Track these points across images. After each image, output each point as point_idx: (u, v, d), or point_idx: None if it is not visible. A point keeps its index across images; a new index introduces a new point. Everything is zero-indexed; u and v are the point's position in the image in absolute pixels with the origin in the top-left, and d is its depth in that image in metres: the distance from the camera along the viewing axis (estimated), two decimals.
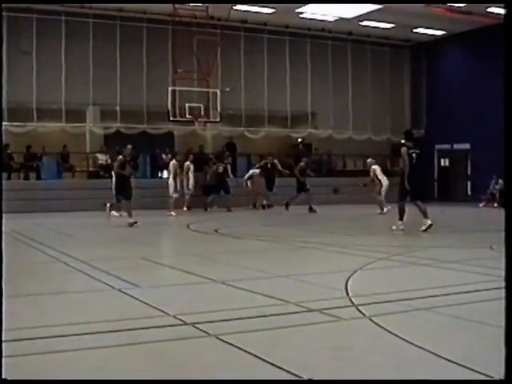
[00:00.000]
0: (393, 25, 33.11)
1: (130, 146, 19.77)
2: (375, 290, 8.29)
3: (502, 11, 30.12)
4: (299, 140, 35.61)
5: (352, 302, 7.47)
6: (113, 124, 30.68)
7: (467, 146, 34.08)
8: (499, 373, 4.73)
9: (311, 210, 25.42)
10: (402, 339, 5.80)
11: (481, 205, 29.74)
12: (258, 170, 29.04)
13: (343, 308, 7.15)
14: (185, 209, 26.17)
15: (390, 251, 12.50)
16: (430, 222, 16.41)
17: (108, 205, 22.89)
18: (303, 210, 25.28)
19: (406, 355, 5.45)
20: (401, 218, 16.83)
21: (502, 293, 8.14)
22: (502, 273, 9.63)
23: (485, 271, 9.97)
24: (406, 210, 16.97)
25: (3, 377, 3.66)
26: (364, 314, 6.87)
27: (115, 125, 30.53)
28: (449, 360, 5.12)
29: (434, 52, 36.49)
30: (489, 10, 30.00)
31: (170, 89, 30.26)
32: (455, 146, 35.15)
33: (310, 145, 35.87)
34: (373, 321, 6.54)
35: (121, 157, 19.20)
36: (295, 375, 4.74)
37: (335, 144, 34.52)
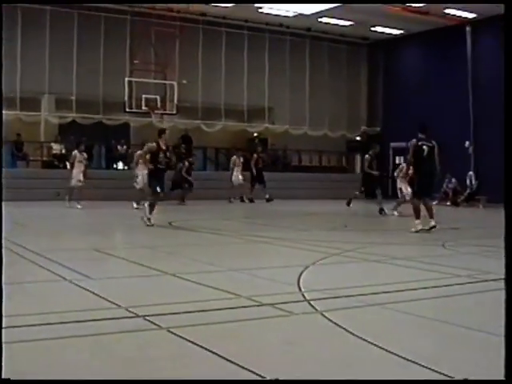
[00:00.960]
0: (351, 22, 33.26)
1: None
2: (327, 285, 8.33)
3: (458, 12, 30.49)
4: (255, 134, 35.63)
5: (304, 297, 7.49)
6: (68, 113, 30.38)
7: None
8: (451, 369, 4.81)
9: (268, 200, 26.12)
10: (353, 334, 5.83)
11: (434, 203, 29.94)
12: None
13: (295, 303, 7.17)
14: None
15: (343, 247, 12.56)
16: (433, 223, 15.79)
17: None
18: (263, 204, 25.39)
19: (356, 350, 5.48)
20: (417, 217, 15.79)
21: (452, 290, 8.29)
22: (453, 270, 9.83)
23: (436, 268, 10.08)
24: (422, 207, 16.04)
25: (3, 377, 3.63)
26: (316, 309, 6.90)
27: (70, 114, 30.24)
28: (400, 356, 5.16)
29: (391, 51, 36.75)
30: (446, 10, 30.30)
31: (126, 80, 30.10)
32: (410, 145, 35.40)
33: (266, 139, 35.92)
34: (324, 316, 6.56)
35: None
36: (246, 369, 4.74)
37: (291, 139, 34.60)
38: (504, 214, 3.75)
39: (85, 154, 23.99)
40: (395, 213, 21.59)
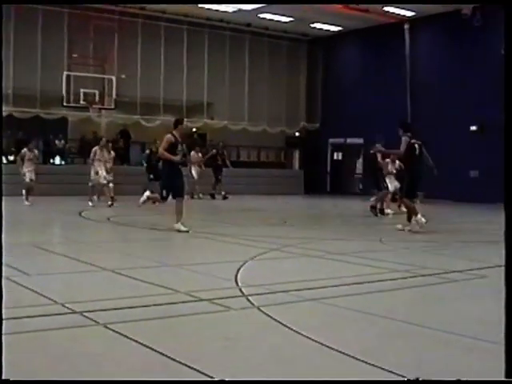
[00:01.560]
0: (291, 19, 33.35)
1: None
2: (265, 280, 8.38)
3: (397, 10, 30.82)
4: (194, 130, 35.57)
5: (242, 292, 7.53)
6: (5, 107, 29.92)
7: (360, 140, 34.67)
8: (386, 362, 4.88)
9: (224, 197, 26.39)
10: (291, 329, 5.88)
11: (372, 199, 30.26)
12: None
13: (233, 298, 7.21)
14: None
15: (282, 242, 12.63)
16: (423, 220, 15.28)
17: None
18: (205, 200, 25.31)
19: (294, 345, 5.53)
20: (416, 213, 15.28)
21: (389, 284, 8.40)
22: (391, 265, 9.96)
23: (373, 263, 10.21)
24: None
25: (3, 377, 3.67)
26: (253, 304, 6.93)
27: (7, 108, 29.79)
28: (336, 350, 5.23)
29: (331, 47, 36.99)
30: (385, 8, 30.60)
31: (64, 74, 29.76)
32: (348, 141, 35.73)
33: (204, 135, 35.88)
34: (262, 311, 6.60)
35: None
36: (184, 364, 4.75)
37: (230, 135, 34.60)
38: (504, 214, 3.83)
39: (36, 152, 23.69)
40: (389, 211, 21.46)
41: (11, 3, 26.53)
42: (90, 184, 22.45)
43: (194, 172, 28.33)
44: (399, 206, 20.65)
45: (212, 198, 28.20)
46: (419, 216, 15.16)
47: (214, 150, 29.76)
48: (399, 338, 5.91)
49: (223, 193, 28.00)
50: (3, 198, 5.78)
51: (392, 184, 20.80)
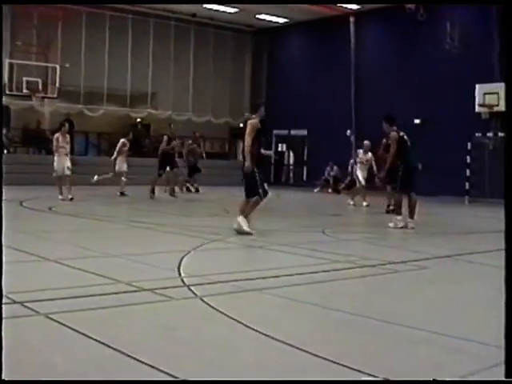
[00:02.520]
0: (236, 10, 33.32)
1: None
2: (208, 270, 8.39)
3: (343, 3, 30.93)
4: (138, 120, 35.37)
5: (184, 283, 7.54)
6: None
7: (304, 132, 34.85)
8: (328, 353, 4.94)
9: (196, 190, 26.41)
10: (233, 319, 5.92)
11: (316, 190, 30.50)
12: None
13: (175, 288, 7.21)
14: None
15: (224, 233, 12.64)
16: (400, 220, 14.97)
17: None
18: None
19: (236, 335, 5.57)
20: (399, 213, 15.04)
21: (330, 275, 8.47)
22: (333, 256, 10.05)
23: (315, 254, 10.29)
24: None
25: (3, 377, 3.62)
26: (195, 294, 6.95)
27: None
28: (277, 339, 5.27)
29: (276, 39, 37.04)
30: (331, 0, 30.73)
31: (7, 61, 29.33)
32: (292, 132, 35.85)
33: (148, 125, 35.70)
34: (204, 301, 6.62)
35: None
36: (126, 354, 4.75)
37: (177, 125, 34.43)
38: (504, 214, 3.88)
39: None
40: (351, 202, 21.74)
41: (11, 3, 26.48)
42: (54, 175, 20.22)
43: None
44: (352, 198, 21.02)
45: (188, 190, 26.74)
46: (400, 217, 14.89)
47: (190, 141, 28.67)
48: (340, 328, 5.99)
49: (195, 185, 27.14)
50: None
51: (361, 175, 21.51)
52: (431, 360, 5.04)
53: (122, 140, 23.79)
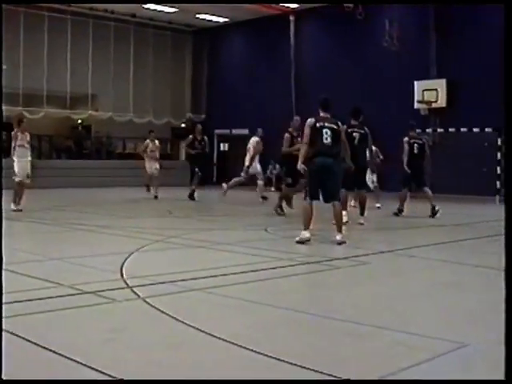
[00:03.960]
0: (176, 9, 33.19)
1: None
2: (150, 271, 8.36)
3: (282, 2, 30.98)
4: (79, 121, 35.05)
5: (127, 284, 7.50)
6: None
7: (246, 131, 34.89)
8: (270, 350, 4.95)
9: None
10: (176, 319, 5.91)
11: (258, 189, 30.49)
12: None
13: (118, 290, 7.17)
14: None
15: (166, 233, 12.61)
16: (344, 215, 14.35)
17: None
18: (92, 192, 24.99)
19: (179, 335, 5.55)
20: (345, 208, 14.44)
21: (274, 273, 8.50)
22: (276, 254, 10.08)
23: (259, 252, 10.32)
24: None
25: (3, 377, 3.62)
26: (138, 296, 6.92)
27: None
28: (222, 339, 5.28)
29: (216, 38, 37.01)
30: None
31: None
32: (234, 131, 35.87)
33: (89, 127, 35.42)
34: (147, 302, 6.60)
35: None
36: (68, 358, 4.71)
37: (115, 126, 34.24)
38: (504, 214, 3.90)
39: None
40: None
41: (11, 3, 26.13)
42: (16, 180, 17.21)
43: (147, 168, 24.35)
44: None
45: (191, 198, 22.80)
46: (344, 213, 14.17)
47: (191, 136, 24.27)
48: (284, 325, 6.01)
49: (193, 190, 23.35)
50: None
51: None
52: (374, 354, 5.09)
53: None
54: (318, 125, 11.84)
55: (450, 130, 25.94)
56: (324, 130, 11.78)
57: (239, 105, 34.32)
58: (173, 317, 5.98)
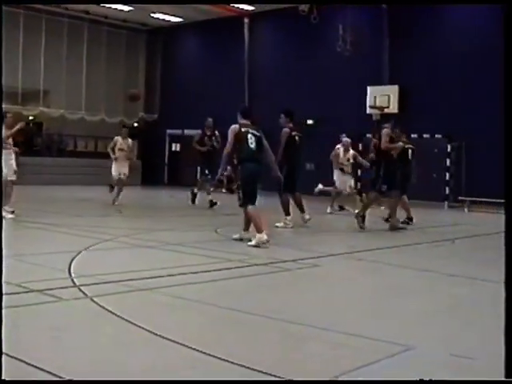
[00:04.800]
0: (131, 8, 33.04)
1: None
2: (98, 270, 8.32)
3: (238, 4, 31.02)
4: (31, 118, 34.68)
5: (74, 283, 7.46)
6: None
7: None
8: (218, 350, 4.96)
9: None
10: (123, 319, 5.90)
11: (211, 189, 30.51)
12: None
13: (65, 288, 7.12)
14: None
15: (116, 233, 12.58)
16: (290, 220, 14.97)
17: None
18: (39, 189, 24.76)
19: (126, 334, 5.55)
20: (287, 213, 14.89)
21: (223, 274, 8.50)
22: (225, 255, 10.08)
23: (208, 253, 10.33)
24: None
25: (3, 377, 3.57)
26: (86, 295, 6.89)
27: None
28: (169, 339, 5.28)
29: (171, 38, 36.91)
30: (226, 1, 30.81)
31: None
32: (186, 132, 35.78)
33: (41, 124, 35.08)
34: (94, 301, 6.58)
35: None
36: (13, 357, 4.66)
37: (67, 124, 33.95)
38: (504, 216, 3.92)
39: None
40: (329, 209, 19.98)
41: (11, 3, 25.78)
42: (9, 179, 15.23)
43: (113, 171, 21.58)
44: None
45: (211, 205, 20.68)
46: (289, 218, 14.95)
47: (200, 131, 21.92)
48: (231, 326, 6.03)
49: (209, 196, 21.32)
50: None
51: (341, 179, 19.95)
52: (318, 355, 5.13)
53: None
54: (243, 130, 12.19)
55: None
56: (249, 136, 12.12)
57: (192, 105, 34.26)
58: (120, 316, 5.97)
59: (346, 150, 20.11)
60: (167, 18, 35.00)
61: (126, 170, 20.77)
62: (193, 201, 21.24)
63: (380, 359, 4.98)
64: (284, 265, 9.54)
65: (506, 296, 3.86)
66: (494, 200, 19.01)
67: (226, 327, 6.01)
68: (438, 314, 6.89)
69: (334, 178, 20.12)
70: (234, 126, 12.28)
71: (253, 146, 12.11)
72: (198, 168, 22.07)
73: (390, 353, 5.16)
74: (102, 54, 35.57)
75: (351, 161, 19.80)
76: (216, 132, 21.14)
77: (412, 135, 25.17)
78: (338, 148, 20.41)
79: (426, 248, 12.87)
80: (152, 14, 34.37)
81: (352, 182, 19.76)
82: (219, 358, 4.83)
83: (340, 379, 4.58)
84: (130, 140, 22.06)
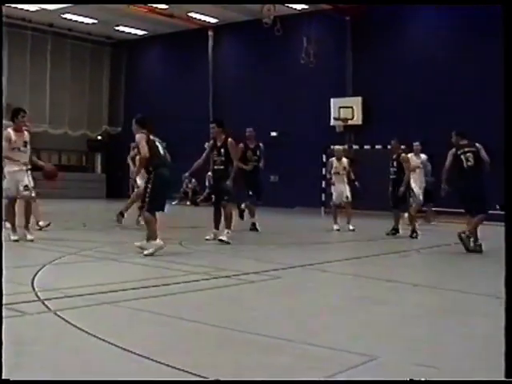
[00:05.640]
0: (95, 20, 32.99)
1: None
2: (63, 284, 8.29)
3: (201, 17, 31.12)
4: None
5: (38, 297, 7.42)
6: None
7: (163, 145, 34.81)
8: (180, 362, 4.97)
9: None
10: (87, 332, 5.88)
11: (174, 202, 30.52)
12: None
13: (28, 303, 7.08)
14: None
15: (80, 246, 12.51)
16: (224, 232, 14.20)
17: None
18: None
19: (91, 348, 5.53)
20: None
21: (186, 286, 8.48)
22: (189, 267, 10.07)
23: (172, 266, 10.33)
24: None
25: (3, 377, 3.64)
26: (49, 309, 6.86)
27: None
28: (132, 352, 5.28)
29: (135, 51, 36.89)
30: (190, 14, 30.88)
31: None
32: None
33: None
34: (58, 315, 6.55)
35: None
36: None
37: (31, 137, 33.64)
38: (504, 218, 3.94)
39: None
40: (335, 227, 18.47)
41: (11, 3, 26.59)
42: (5, 197, 13.66)
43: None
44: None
45: (253, 228, 17.51)
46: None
47: (241, 144, 17.51)
48: (193, 339, 6.04)
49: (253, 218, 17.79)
50: None
51: (337, 190, 19.02)
52: (282, 367, 5.14)
53: None
54: (151, 137, 12.63)
55: (366, 146, 26.36)
56: (157, 143, 12.61)
57: (156, 118, 34.01)
58: (84, 330, 5.95)
59: (339, 159, 19.17)
60: (131, 30, 35.01)
61: (25, 181, 14.21)
62: (241, 216, 17.64)
63: (343, 370, 5.00)
64: (247, 277, 9.55)
65: (506, 296, 3.91)
66: (458, 210, 19.14)
67: (188, 339, 6.01)
68: (403, 323, 6.94)
69: (332, 190, 19.35)
70: (141, 135, 12.46)
71: (163, 152, 12.53)
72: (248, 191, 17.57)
73: (353, 363, 5.19)
74: (66, 67, 35.48)
75: (347, 168, 18.98)
76: (261, 144, 18.07)
77: (376, 146, 25.42)
78: (331, 160, 19.64)
79: (391, 258, 12.95)
80: (116, 27, 34.36)
81: (348, 193, 18.83)
82: (181, 370, 4.84)
83: (330, 379, 4.60)
84: (26, 133, 14.97)
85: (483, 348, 5.85)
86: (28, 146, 14.40)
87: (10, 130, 13.96)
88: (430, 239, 16.85)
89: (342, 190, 18.72)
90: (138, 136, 12.51)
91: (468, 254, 13.20)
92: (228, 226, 14.23)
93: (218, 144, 14.52)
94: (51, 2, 29.21)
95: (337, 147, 20.38)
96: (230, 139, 14.47)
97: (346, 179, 18.86)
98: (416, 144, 20.52)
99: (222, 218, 14.43)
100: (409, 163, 17.05)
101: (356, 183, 18.69)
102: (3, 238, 5.11)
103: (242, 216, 17.57)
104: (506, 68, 4.10)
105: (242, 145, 17.19)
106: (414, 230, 16.62)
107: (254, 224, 17.36)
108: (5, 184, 13.38)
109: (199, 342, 5.95)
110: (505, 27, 4.08)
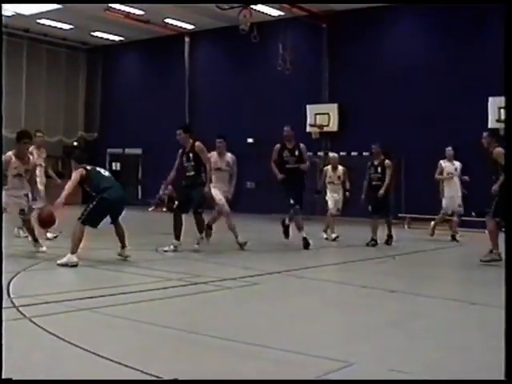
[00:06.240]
0: (71, 26, 32.85)
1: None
2: (38, 290, 8.26)
3: (178, 23, 31.11)
4: None
5: (13, 303, 7.36)
6: None
7: (139, 150, 34.77)
8: (156, 369, 4.95)
9: None
10: (62, 339, 5.86)
11: (150, 209, 30.47)
12: None
13: (4, 309, 7.02)
14: None
15: (55, 252, 12.40)
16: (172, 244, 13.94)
17: None
18: None
19: (65, 354, 5.51)
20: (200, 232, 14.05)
21: (162, 293, 8.46)
22: (165, 274, 10.06)
23: (149, 273, 10.31)
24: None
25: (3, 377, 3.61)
26: (24, 315, 6.82)
27: None
28: (109, 359, 5.26)
29: (111, 57, 36.78)
30: (166, 20, 30.82)
31: None
32: (127, 151, 35.66)
33: None
34: (33, 322, 6.52)
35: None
36: None
37: (6, 143, 33.45)
38: (505, 221, 3.94)
39: None
40: (324, 235, 18.30)
41: (11, 3, 26.42)
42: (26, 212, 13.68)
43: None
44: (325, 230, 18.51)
45: (306, 246, 15.22)
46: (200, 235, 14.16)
47: (278, 145, 16.31)
48: (170, 345, 6.03)
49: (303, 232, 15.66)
50: None
51: (333, 199, 18.33)
52: (259, 373, 5.14)
53: None
54: (89, 168, 12.09)
55: (342, 153, 26.40)
56: (98, 169, 12.31)
57: (133, 124, 34.18)
58: (59, 336, 5.93)
59: (334, 168, 18.40)
60: (108, 36, 34.89)
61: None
62: (286, 234, 15.99)
63: (320, 375, 5.02)
64: (224, 283, 9.55)
65: (506, 296, 3.93)
66: (431, 216, 19.23)
67: (166, 346, 6.00)
68: (378, 329, 6.96)
69: (327, 198, 18.40)
70: (77, 171, 11.93)
71: (108, 174, 12.44)
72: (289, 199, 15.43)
73: (329, 369, 5.20)
74: (41, 73, 35.29)
75: (341, 178, 18.29)
76: (301, 144, 16.07)
77: (352, 153, 25.48)
78: (326, 168, 18.86)
79: (367, 264, 12.99)
80: (92, 33, 34.24)
81: (340, 204, 18.31)
82: (157, 377, 4.83)
83: (323, 379, 4.60)
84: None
85: (457, 353, 5.89)
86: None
87: (10, 154, 13.05)
88: (405, 245, 16.91)
89: (337, 201, 18.22)
90: (75, 173, 11.90)
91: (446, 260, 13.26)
92: (201, 231, 14.20)
93: (186, 150, 14.35)
94: (49, 2, 29.10)
95: (332, 155, 19.48)
96: (197, 143, 14.20)
97: (341, 189, 18.32)
98: (448, 149, 18.56)
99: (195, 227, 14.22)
100: (391, 169, 16.93)
101: (347, 193, 18.34)
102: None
103: (287, 233, 15.88)
104: (506, 68, 4.11)
105: (278, 145, 15.98)
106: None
107: (305, 239, 15.18)
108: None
109: (175, 348, 5.93)
110: (505, 27, 4.10)
